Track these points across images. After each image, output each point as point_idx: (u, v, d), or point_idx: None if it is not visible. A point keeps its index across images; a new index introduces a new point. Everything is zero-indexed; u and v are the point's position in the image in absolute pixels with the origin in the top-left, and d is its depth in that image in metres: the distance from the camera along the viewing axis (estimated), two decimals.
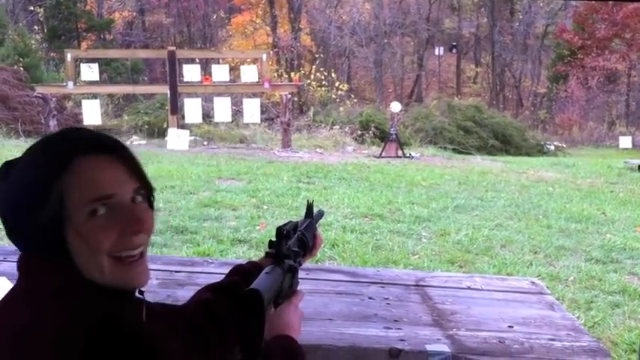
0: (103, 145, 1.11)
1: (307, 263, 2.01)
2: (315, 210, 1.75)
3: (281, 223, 1.47)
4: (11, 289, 1.12)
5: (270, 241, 1.38)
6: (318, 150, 14.40)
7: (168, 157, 11.59)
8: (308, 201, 1.73)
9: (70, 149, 1.08)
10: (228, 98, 14.63)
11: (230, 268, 1.63)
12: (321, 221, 1.76)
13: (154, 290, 2.01)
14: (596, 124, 25.26)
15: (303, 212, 1.72)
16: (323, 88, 26.18)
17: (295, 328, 1.34)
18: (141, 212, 1.12)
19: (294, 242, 1.48)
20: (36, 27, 29.28)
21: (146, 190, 1.15)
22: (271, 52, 23.74)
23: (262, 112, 15.85)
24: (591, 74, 26.79)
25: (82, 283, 1.07)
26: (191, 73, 14.64)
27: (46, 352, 0.97)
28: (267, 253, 1.46)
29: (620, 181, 11.54)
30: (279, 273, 1.32)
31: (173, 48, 15.77)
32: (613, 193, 9.95)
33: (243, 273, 1.56)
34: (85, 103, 14.57)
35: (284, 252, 1.36)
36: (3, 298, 1.11)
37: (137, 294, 1.21)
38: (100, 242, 1.06)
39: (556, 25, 31.96)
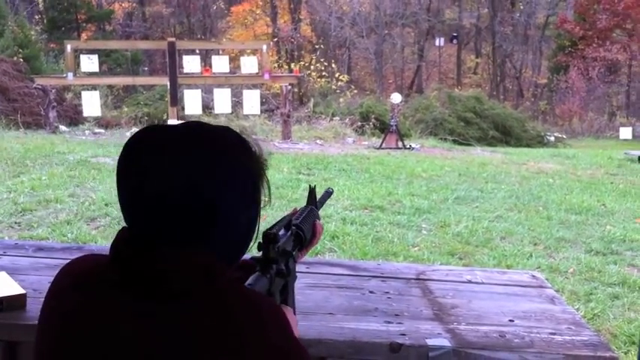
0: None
1: (307, 257, 2.00)
2: (321, 193, 1.69)
3: (281, 215, 1.44)
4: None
5: (259, 243, 1.29)
6: (318, 141, 14.39)
7: None
8: (310, 186, 1.68)
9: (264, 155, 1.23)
10: (228, 89, 14.61)
11: None
12: (321, 213, 1.72)
13: None
14: (596, 115, 25.21)
15: (304, 203, 1.66)
16: (323, 79, 26.14)
17: None
18: None
19: (287, 241, 1.42)
20: (36, 18, 29.23)
21: None
22: (271, 43, 23.67)
23: (262, 104, 15.82)
24: (592, 65, 26.72)
25: None
26: (191, 64, 14.61)
27: None
28: (253, 258, 1.33)
29: (621, 173, 11.54)
30: (264, 283, 1.27)
31: (173, 39, 15.73)
32: (613, 185, 9.95)
33: (246, 269, 1.55)
34: (84, 94, 14.53)
35: (271, 257, 1.30)
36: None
37: None
38: None
39: (557, 16, 31.86)
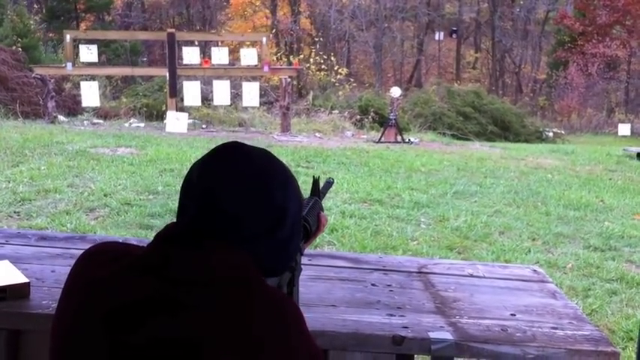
0: None
1: (309, 249, 2.01)
2: (322, 183, 1.69)
3: None
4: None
5: None
6: (317, 134, 14.38)
7: (167, 140, 11.56)
8: (314, 177, 1.66)
9: None
10: (228, 81, 14.58)
11: None
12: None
13: None
14: (595, 111, 25.22)
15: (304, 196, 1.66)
16: (322, 72, 26.06)
17: None
18: None
19: None
20: (35, 7, 29.11)
21: None
22: (271, 35, 23.61)
23: (261, 96, 15.77)
24: (591, 61, 26.70)
25: None
26: (190, 55, 14.58)
27: None
28: None
29: (619, 169, 11.55)
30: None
31: (172, 30, 15.70)
32: (611, 181, 9.97)
33: None
34: (83, 84, 14.49)
35: None
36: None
37: None
38: None
39: (557, 11, 31.83)
